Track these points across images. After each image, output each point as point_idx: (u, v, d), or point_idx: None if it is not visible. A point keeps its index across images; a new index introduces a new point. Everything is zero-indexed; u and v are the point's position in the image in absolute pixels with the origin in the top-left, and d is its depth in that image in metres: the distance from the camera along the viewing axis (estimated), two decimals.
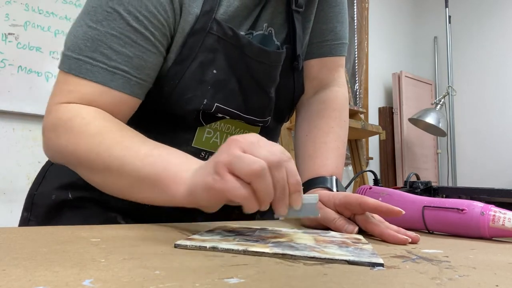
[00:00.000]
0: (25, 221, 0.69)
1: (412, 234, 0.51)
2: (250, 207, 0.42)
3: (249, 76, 0.66)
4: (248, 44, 0.64)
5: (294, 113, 0.84)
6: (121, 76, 0.56)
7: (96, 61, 0.55)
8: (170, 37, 0.60)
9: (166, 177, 0.48)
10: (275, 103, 0.72)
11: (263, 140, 0.44)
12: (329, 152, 0.73)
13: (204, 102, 0.63)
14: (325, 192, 0.63)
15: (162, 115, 0.66)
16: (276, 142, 0.81)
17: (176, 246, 0.38)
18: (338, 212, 0.57)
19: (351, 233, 0.54)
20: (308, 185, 0.68)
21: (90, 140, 0.53)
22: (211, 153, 0.67)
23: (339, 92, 0.81)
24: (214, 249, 0.38)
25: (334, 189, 0.66)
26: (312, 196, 0.47)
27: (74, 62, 0.56)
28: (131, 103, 0.59)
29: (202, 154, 0.69)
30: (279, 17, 0.69)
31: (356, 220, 0.56)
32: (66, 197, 0.67)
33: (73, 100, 0.56)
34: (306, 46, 0.77)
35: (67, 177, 0.67)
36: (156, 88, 0.61)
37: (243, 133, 0.70)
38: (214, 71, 0.63)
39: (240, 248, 0.37)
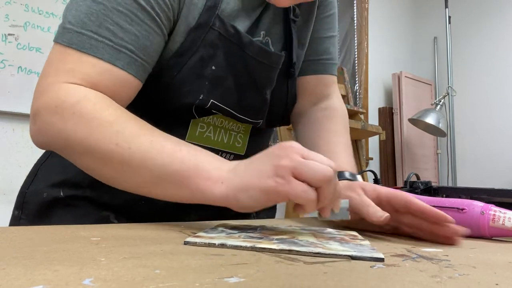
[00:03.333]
0: (16, 220, 0.68)
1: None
2: (311, 209, 0.46)
3: (247, 76, 0.66)
4: (250, 43, 0.64)
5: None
6: (127, 55, 0.53)
7: (102, 37, 0.52)
8: (173, 23, 0.59)
9: (198, 175, 0.48)
10: (269, 107, 0.72)
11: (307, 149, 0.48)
12: (345, 151, 0.74)
13: (200, 97, 0.62)
14: (368, 183, 0.61)
15: (155, 109, 0.64)
16: (267, 144, 0.82)
17: (185, 243, 0.39)
18: (377, 204, 0.55)
19: (379, 218, 0.51)
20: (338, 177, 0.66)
21: (106, 129, 0.49)
22: (205, 148, 0.66)
23: (339, 104, 0.85)
24: (223, 246, 0.38)
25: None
26: (343, 201, 0.52)
27: (76, 36, 0.52)
28: (134, 85, 0.56)
29: None
30: (277, 28, 0.70)
31: (402, 219, 0.54)
32: (57, 195, 0.66)
33: (73, 80, 0.52)
34: (301, 59, 0.78)
35: (59, 174, 0.66)
36: (154, 78, 0.60)
37: (236, 128, 0.71)
38: (213, 67, 0.62)
39: (248, 244, 0.38)
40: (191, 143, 0.65)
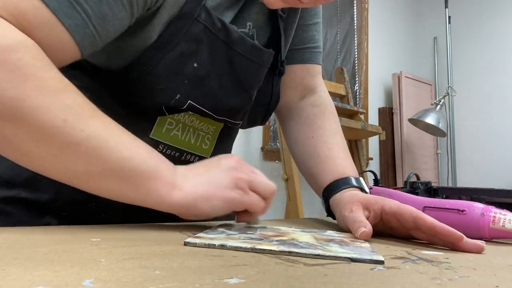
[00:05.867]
0: None
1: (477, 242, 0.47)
2: (257, 216, 0.53)
3: (233, 75, 0.61)
4: (241, 40, 0.59)
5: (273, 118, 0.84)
6: (79, 16, 0.43)
7: None
8: (154, 8, 0.52)
9: (158, 177, 0.45)
10: (251, 107, 0.68)
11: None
12: (344, 153, 0.72)
13: (177, 97, 0.57)
14: (373, 196, 0.59)
15: (118, 101, 0.58)
16: (233, 141, 0.79)
17: (185, 244, 0.39)
18: (382, 219, 0.55)
19: (358, 236, 0.50)
20: (339, 185, 0.65)
21: (50, 97, 0.39)
22: (170, 147, 0.63)
23: (327, 98, 0.82)
24: (223, 247, 0.38)
25: (367, 189, 0.65)
26: None
27: None
28: (72, 54, 0.46)
29: (160, 147, 0.62)
30: (262, 20, 0.66)
31: (412, 234, 0.52)
32: None
33: (1, 12, 0.40)
34: (286, 52, 0.75)
35: None
36: (123, 72, 0.53)
37: (206, 128, 0.67)
38: (195, 65, 0.56)
39: (248, 246, 0.38)
40: (155, 140, 0.61)
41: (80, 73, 0.58)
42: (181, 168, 0.49)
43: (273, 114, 0.80)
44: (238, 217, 0.53)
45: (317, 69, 0.82)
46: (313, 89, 0.81)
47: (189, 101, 0.58)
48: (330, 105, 0.81)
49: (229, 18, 0.60)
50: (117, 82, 0.56)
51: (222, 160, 0.51)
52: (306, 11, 0.77)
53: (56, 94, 0.40)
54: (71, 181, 0.44)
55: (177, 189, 0.46)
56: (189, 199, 0.47)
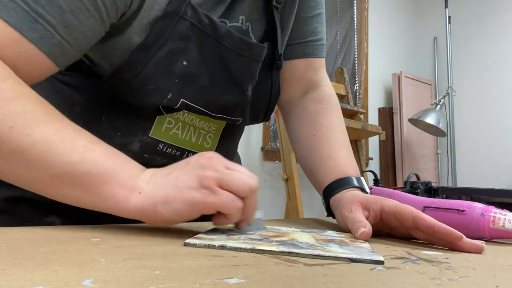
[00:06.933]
0: None
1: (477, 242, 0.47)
2: (236, 219, 0.44)
3: (224, 71, 0.60)
4: (228, 34, 0.58)
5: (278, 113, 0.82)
6: (43, 28, 0.44)
7: None
8: (133, 12, 0.52)
9: (113, 181, 0.43)
10: (251, 104, 0.67)
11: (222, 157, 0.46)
12: (346, 151, 0.71)
13: (169, 96, 0.56)
14: (373, 196, 0.58)
15: (115, 102, 0.58)
16: (239, 139, 0.77)
17: (185, 244, 0.39)
18: (382, 218, 0.54)
19: (358, 236, 0.50)
20: (339, 185, 0.65)
21: (1, 107, 0.40)
22: (170, 146, 0.63)
23: (330, 92, 0.80)
24: (222, 247, 0.38)
25: (367, 189, 0.65)
26: (257, 213, 0.49)
27: None
28: (44, 66, 0.46)
29: (160, 146, 0.62)
30: (256, 13, 0.64)
31: (412, 233, 0.52)
32: None
33: None
34: (284, 46, 0.73)
35: None
36: (113, 74, 0.54)
37: (207, 127, 0.66)
38: (184, 63, 0.56)
39: (248, 246, 0.38)
40: (155, 139, 0.61)
41: (81, 75, 0.59)
42: (148, 171, 0.46)
43: (273, 113, 0.79)
44: (214, 219, 0.46)
45: (320, 62, 0.80)
46: (316, 84, 0.80)
47: (181, 99, 0.58)
48: (333, 100, 0.79)
49: (219, 13, 0.58)
50: (111, 84, 0.56)
51: (192, 159, 0.46)
52: (306, 3, 0.75)
53: (6, 103, 0.41)
54: (30, 187, 0.44)
55: (136, 192, 0.43)
56: (148, 203, 0.43)
